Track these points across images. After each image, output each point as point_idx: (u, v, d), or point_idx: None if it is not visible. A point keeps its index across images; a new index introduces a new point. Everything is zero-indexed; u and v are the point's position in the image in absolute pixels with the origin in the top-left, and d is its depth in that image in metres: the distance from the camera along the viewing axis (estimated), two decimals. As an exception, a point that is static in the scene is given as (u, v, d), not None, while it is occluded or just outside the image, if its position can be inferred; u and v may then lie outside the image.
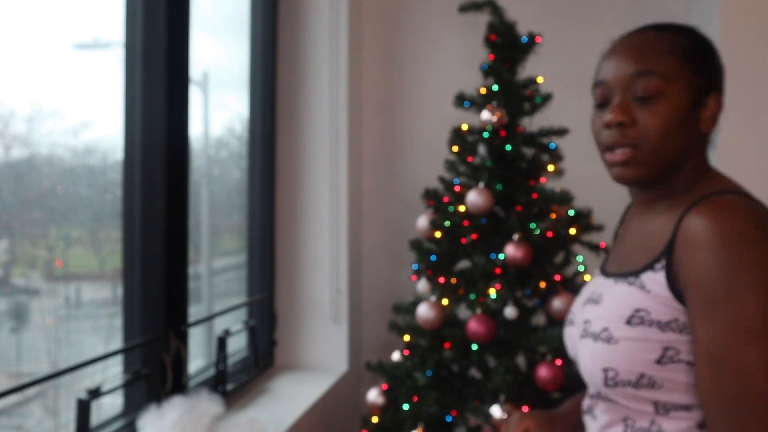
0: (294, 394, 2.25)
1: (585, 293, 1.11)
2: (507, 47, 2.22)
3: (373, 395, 2.16)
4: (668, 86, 0.96)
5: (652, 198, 1.04)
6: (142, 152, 1.70)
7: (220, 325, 2.20)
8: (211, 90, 2.32)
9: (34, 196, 1.56)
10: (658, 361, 0.91)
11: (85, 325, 1.79)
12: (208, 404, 1.35)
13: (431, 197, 2.21)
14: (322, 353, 2.57)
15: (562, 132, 2.25)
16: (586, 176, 2.75)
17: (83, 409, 1.41)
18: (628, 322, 0.93)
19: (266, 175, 2.54)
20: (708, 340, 0.87)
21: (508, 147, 2.15)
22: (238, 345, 2.38)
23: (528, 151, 2.25)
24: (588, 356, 0.98)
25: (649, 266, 0.95)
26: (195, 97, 2.00)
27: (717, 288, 0.86)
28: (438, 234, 2.15)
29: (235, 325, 2.20)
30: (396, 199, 2.83)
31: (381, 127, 2.85)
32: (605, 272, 1.09)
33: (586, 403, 1.08)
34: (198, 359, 2.17)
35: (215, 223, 2.46)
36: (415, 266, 2.19)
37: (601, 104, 1.03)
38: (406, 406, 2.07)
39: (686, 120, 0.97)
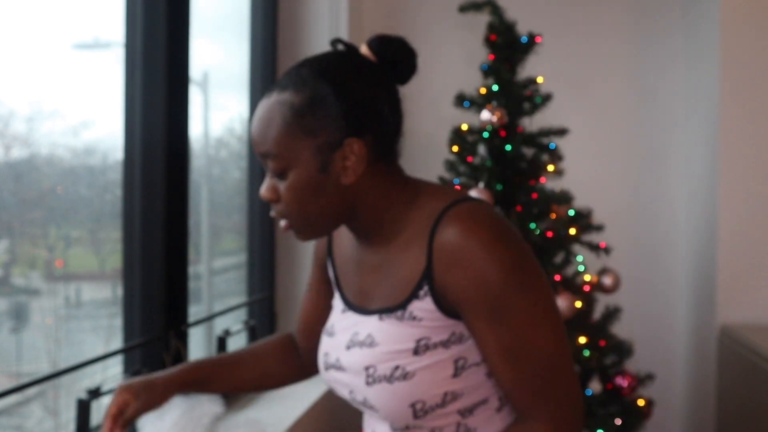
0: (294, 394, 2.25)
1: (343, 336, 1.03)
2: (507, 47, 2.23)
3: (373, 395, 2.16)
4: (289, 161, 0.93)
5: (370, 231, 1.00)
6: (142, 152, 1.70)
7: (220, 325, 2.20)
8: (211, 90, 2.32)
9: (34, 196, 1.56)
10: (455, 375, 0.94)
11: (85, 325, 1.79)
12: (208, 404, 1.35)
13: (431, 197, 2.21)
14: (322, 353, 2.56)
15: (561, 132, 2.25)
16: (586, 176, 2.75)
17: (83, 409, 1.41)
18: (415, 352, 0.93)
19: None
20: (499, 340, 0.91)
21: (508, 147, 2.15)
22: (238, 345, 2.37)
23: (528, 151, 2.26)
24: (389, 399, 0.95)
25: (414, 295, 0.94)
26: (195, 97, 2.00)
27: (492, 292, 0.89)
28: (438, 234, 2.14)
29: (235, 325, 2.20)
30: (396, 199, 2.82)
31: (381, 127, 2.85)
32: (356, 308, 1.03)
33: None
34: (198, 359, 2.17)
35: (215, 223, 2.46)
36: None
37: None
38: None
39: (320, 183, 0.93)
